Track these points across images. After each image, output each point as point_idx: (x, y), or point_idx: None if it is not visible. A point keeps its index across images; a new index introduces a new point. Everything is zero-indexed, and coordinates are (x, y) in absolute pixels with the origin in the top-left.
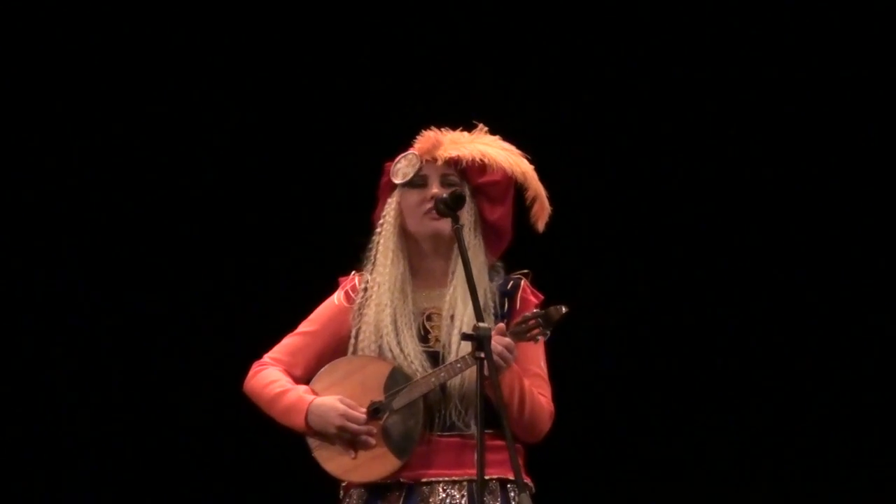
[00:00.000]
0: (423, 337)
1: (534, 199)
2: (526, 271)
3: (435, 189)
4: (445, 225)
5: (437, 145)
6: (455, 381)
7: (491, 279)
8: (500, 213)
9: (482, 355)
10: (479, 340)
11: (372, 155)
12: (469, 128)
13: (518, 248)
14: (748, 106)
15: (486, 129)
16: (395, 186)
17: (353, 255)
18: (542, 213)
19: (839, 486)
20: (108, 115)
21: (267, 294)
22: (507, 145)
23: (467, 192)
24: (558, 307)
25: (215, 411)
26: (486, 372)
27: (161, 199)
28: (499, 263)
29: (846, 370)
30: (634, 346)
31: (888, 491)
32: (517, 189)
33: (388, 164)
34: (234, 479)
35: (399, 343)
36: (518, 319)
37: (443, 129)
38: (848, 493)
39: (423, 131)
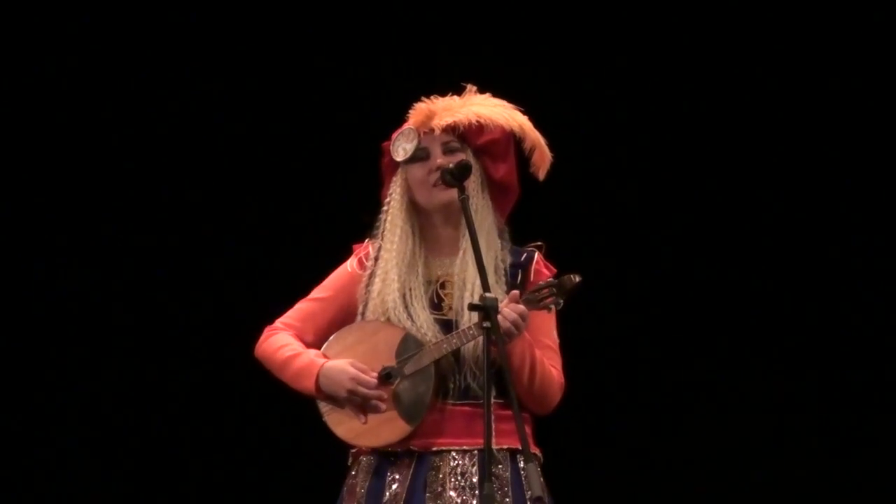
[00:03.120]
0: (437, 305)
1: (532, 149)
2: (539, 244)
3: (438, 159)
4: (454, 194)
5: (430, 115)
6: (469, 348)
7: (502, 247)
8: (505, 170)
9: (488, 325)
10: (485, 310)
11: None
12: (458, 92)
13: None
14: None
15: (475, 88)
16: (398, 164)
17: (368, 221)
18: (542, 161)
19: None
20: (122, 71)
21: (281, 260)
22: (498, 101)
23: (471, 156)
24: (572, 276)
25: (226, 376)
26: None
27: (174, 171)
28: (505, 227)
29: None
30: (639, 321)
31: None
32: (516, 142)
33: (385, 144)
34: (244, 446)
35: (409, 311)
36: (532, 287)
37: (433, 98)
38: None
39: (413, 105)
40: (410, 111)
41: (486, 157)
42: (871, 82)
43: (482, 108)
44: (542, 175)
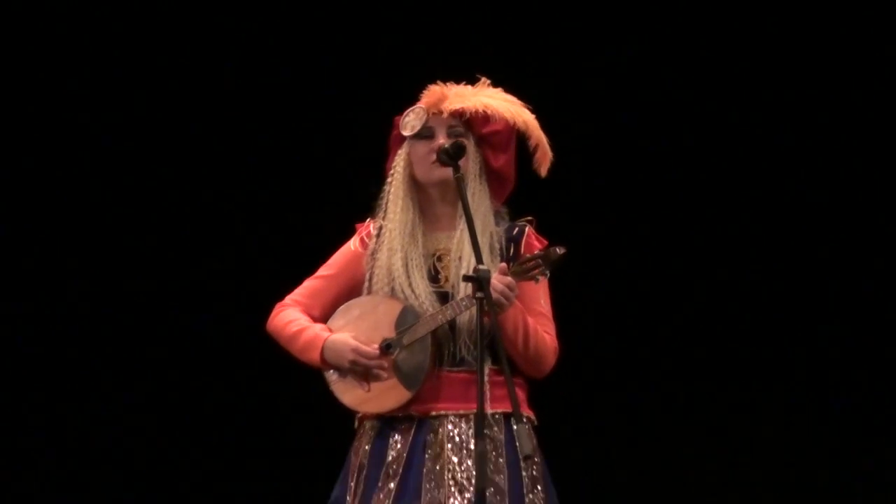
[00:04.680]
0: (434, 277)
1: (536, 147)
2: (530, 218)
3: (441, 140)
4: (449, 172)
5: (442, 99)
6: (464, 318)
7: (496, 223)
8: (504, 161)
9: (481, 295)
10: (478, 282)
11: (389, 108)
12: (473, 82)
13: (521, 196)
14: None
15: (488, 82)
16: (404, 139)
17: (369, 202)
18: (544, 159)
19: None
20: (134, 51)
21: (289, 240)
22: (509, 97)
23: (472, 142)
24: (556, 248)
25: (242, 350)
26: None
27: (184, 152)
28: (503, 209)
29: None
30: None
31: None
32: (520, 138)
33: (397, 118)
34: (257, 414)
35: (410, 284)
36: (519, 260)
37: (448, 84)
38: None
39: (429, 86)
40: (424, 91)
41: (487, 147)
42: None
43: (491, 99)
44: (543, 172)
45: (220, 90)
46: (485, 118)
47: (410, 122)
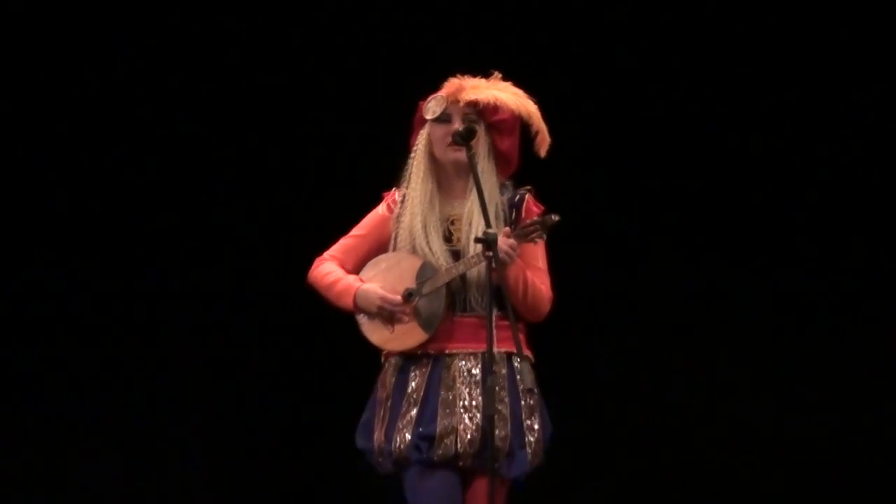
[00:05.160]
0: (448, 238)
1: (537, 133)
2: (529, 187)
3: (456, 125)
4: (462, 154)
5: (460, 89)
6: (472, 273)
7: (501, 194)
8: (509, 144)
9: (490, 254)
10: (487, 243)
11: (415, 93)
12: (487, 75)
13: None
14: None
15: (500, 76)
16: (425, 121)
17: (395, 174)
18: (543, 143)
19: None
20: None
21: (328, 205)
22: (517, 90)
23: (482, 127)
24: (552, 216)
25: (288, 298)
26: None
27: (232, 124)
28: (508, 182)
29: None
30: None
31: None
32: (524, 125)
33: (421, 102)
34: (303, 350)
35: (428, 243)
36: (521, 225)
37: (465, 76)
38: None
39: (449, 78)
40: (445, 82)
41: (495, 132)
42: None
43: (501, 92)
44: (542, 153)
45: (260, 60)
46: (494, 108)
47: (432, 107)
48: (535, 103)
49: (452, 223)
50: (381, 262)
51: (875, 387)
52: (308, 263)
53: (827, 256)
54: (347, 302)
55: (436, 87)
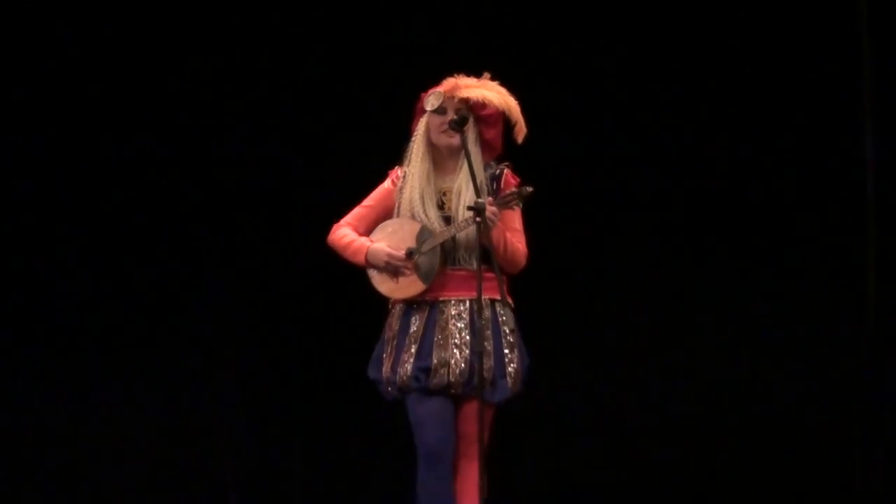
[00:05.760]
0: (441, 206)
1: (516, 124)
2: (507, 163)
3: (451, 116)
4: (456, 138)
5: (456, 87)
6: (462, 235)
7: (486, 171)
8: (493, 134)
9: (479, 220)
10: (477, 210)
11: (416, 88)
12: (479, 75)
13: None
14: None
15: (489, 76)
16: (425, 111)
17: (398, 154)
18: (520, 132)
19: None
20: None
21: (344, 181)
22: (501, 89)
23: (471, 118)
24: (526, 188)
25: (314, 256)
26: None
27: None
28: (492, 162)
29: None
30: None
31: None
32: (506, 118)
33: (422, 94)
34: (326, 298)
35: (425, 211)
36: (501, 195)
37: (459, 76)
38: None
39: (447, 77)
40: (443, 80)
41: (483, 124)
42: None
43: (489, 91)
44: (519, 140)
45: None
46: (482, 104)
47: (431, 100)
48: (516, 99)
49: (445, 195)
50: (388, 226)
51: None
52: (329, 227)
53: (787, 228)
54: (360, 259)
55: (434, 83)
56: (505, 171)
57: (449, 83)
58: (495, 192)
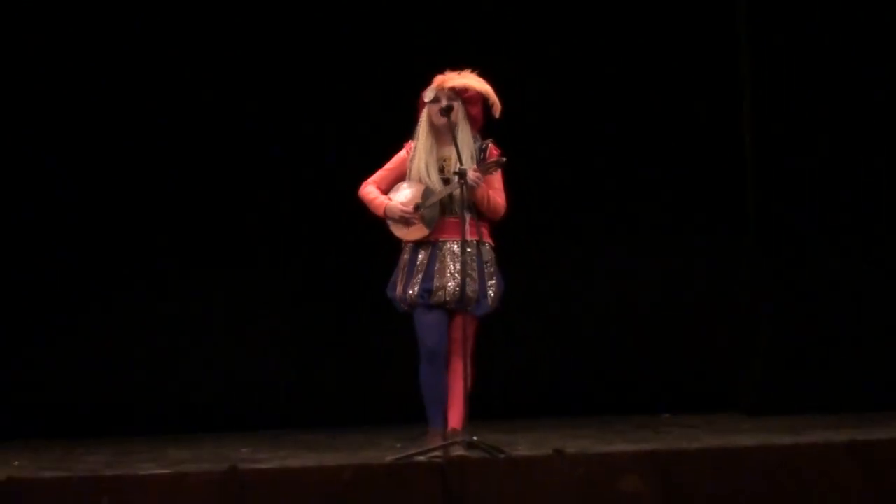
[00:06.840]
0: (441, 170)
1: (493, 104)
2: (491, 139)
3: (443, 103)
4: (444, 121)
5: (444, 81)
6: (456, 192)
7: (474, 142)
8: (476, 111)
9: (462, 182)
10: (460, 175)
11: (419, 83)
12: (461, 69)
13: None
14: None
15: (470, 69)
16: (425, 102)
17: (410, 131)
18: (496, 109)
19: None
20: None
21: (370, 151)
22: (479, 78)
23: (459, 102)
24: (501, 158)
25: (347, 203)
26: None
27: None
28: (478, 135)
29: None
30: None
31: None
32: (484, 98)
33: (423, 90)
34: (354, 237)
35: (428, 175)
36: (483, 163)
37: (447, 71)
38: None
39: (437, 74)
40: (435, 77)
41: (468, 104)
42: None
43: (470, 80)
44: (496, 115)
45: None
46: (465, 89)
47: (428, 93)
48: (491, 85)
49: (445, 161)
50: (402, 186)
51: None
52: (360, 183)
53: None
54: (381, 212)
55: (431, 79)
56: (489, 144)
57: (439, 79)
58: (481, 160)
